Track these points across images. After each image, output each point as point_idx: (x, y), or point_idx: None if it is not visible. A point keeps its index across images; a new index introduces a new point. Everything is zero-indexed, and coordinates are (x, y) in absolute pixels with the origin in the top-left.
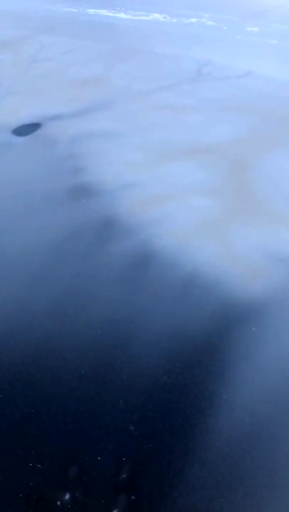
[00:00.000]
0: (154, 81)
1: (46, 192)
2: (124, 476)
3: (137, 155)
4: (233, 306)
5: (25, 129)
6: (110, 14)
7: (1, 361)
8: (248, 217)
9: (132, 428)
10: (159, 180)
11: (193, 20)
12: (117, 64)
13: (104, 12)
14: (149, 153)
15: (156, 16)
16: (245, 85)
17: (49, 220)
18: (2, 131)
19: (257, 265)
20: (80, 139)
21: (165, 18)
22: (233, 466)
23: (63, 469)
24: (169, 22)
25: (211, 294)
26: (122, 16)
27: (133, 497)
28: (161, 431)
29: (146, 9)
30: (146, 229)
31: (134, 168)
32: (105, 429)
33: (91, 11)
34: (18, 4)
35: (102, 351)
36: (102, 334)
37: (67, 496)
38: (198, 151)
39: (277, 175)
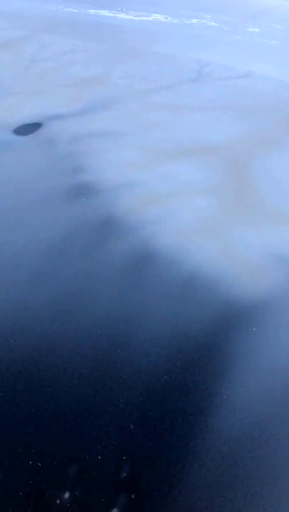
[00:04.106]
0: (154, 81)
1: (47, 191)
2: (124, 474)
3: (138, 154)
4: (234, 305)
5: (26, 129)
6: (111, 15)
7: (1, 360)
8: (249, 217)
9: (132, 427)
10: (160, 180)
11: (195, 21)
12: (118, 64)
13: (105, 12)
14: (149, 153)
15: (158, 16)
16: (245, 85)
17: (49, 218)
18: (2, 130)
19: (258, 265)
20: (80, 138)
21: (166, 18)
22: (233, 466)
23: (63, 468)
24: (170, 22)
25: (212, 293)
26: (123, 16)
27: (133, 496)
28: (162, 430)
29: (148, 10)
30: (147, 228)
31: (135, 167)
32: (105, 428)
33: (92, 11)
34: (18, 4)
35: (102, 350)
36: (101, 333)
37: (66, 495)
38: (199, 150)
39: (278, 174)
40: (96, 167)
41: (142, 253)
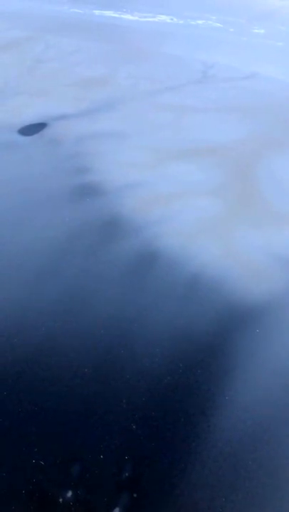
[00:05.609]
0: (159, 82)
1: (51, 191)
2: (127, 474)
3: (142, 155)
4: (237, 306)
5: (31, 129)
6: (116, 15)
7: (5, 359)
8: (252, 218)
9: (134, 427)
10: (165, 180)
11: (200, 22)
12: (123, 65)
13: (110, 13)
14: (154, 153)
15: (163, 17)
16: (250, 87)
17: (54, 218)
18: (8, 130)
19: (262, 266)
20: (85, 138)
21: (172, 19)
22: (235, 466)
23: (66, 467)
24: (175, 23)
25: (215, 294)
26: (129, 17)
27: (135, 495)
28: (164, 430)
29: (153, 11)
30: (151, 228)
31: (140, 167)
32: (108, 428)
33: (97, 12)
34: (23, 5)
35: (105, 350)
36: (104, 333)
37: (69, 494)
38: (203, 151)
39: (282, 176)
40: (100, 167)
41: (145, 253)
